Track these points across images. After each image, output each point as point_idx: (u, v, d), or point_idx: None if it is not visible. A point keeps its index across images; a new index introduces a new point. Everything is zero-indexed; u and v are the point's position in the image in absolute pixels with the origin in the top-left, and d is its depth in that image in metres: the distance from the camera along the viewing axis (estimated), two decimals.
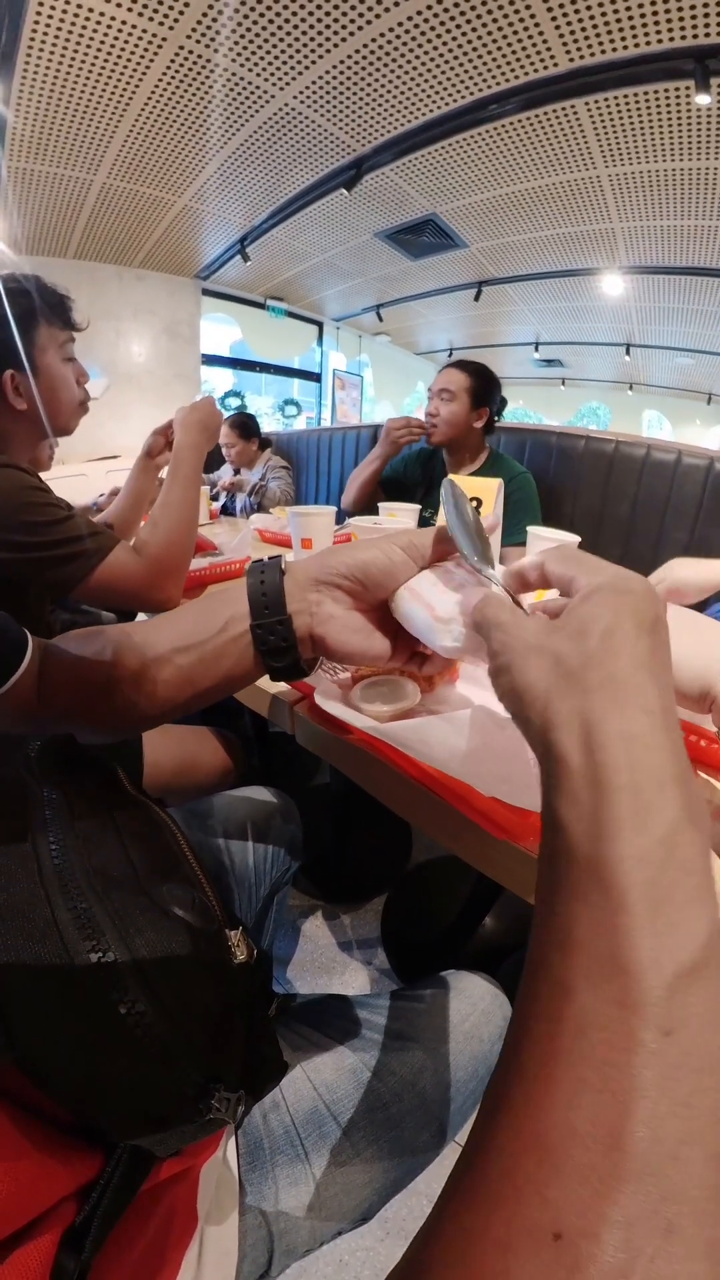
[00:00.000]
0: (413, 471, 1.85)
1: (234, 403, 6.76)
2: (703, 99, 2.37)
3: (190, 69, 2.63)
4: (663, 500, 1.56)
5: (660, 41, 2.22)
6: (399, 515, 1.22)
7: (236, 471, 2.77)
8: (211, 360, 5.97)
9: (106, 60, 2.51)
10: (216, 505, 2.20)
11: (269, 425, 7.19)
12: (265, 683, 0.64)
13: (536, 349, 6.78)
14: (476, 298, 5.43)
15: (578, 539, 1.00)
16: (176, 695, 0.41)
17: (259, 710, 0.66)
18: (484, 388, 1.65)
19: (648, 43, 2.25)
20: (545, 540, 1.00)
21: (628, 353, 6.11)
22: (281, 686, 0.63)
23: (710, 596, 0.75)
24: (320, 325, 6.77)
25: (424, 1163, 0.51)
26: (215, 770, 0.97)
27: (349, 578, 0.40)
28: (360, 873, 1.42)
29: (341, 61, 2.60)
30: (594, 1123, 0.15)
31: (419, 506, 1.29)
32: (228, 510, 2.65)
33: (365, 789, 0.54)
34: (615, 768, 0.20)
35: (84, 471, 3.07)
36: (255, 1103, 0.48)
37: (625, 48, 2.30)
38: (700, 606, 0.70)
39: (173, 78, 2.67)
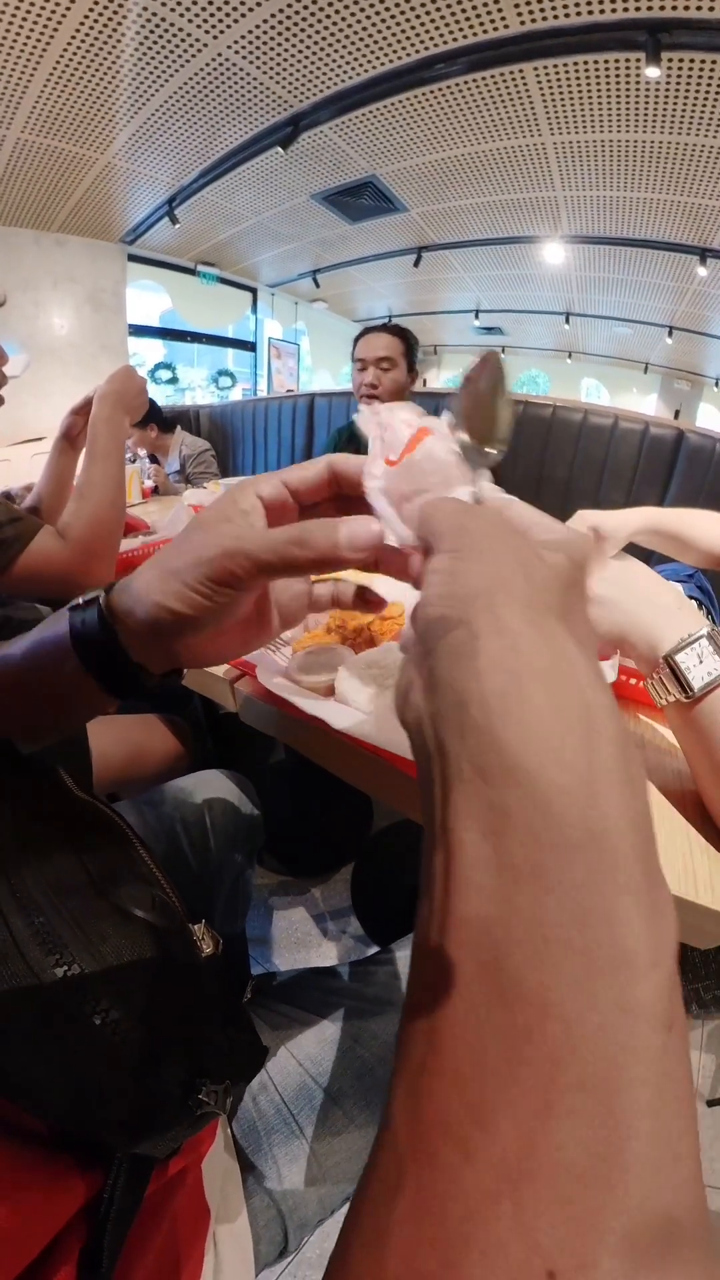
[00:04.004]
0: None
1: (165, 375, 6.40)
2: (652, 72, 2.36)
3: (115, 12, 2.37)
4: (599, 463, 1.62)
5: (614, 11, 2.19)
6: None
7: (153, 458, 2.52)
8: (140, 331, 5.60)
9: (20, 1, 2.22)
10: (149, 484, 2.05)
11: (203, 398, 6.88)
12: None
13: (477, 316, 6.74)
14: (416, 264, 5.31)
15: (514, 500, 1.04)
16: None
17: (204, 692, 0.66)
18: (412, 350, 1.65)
19: (601, 11, 2.21)
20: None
21: (567, 321, 6.18)
22: (224, 666, 0.63)
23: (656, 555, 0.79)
24: (254, 292, 6.45)
25: None
26: (166, 758, 0.96)
27: (206, 589, 0.28)
28: (325, 845, 1.45)
29: (280, 10, 2.42)
30: (590, 1153, 0.12)
31: None
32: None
33: (315, 761, 0.56)
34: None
35: (7, 456, 2.86)
36: (243, 1089, 0.50)
37: (579, 14, 2.25)
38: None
39: (95, 21, 2.41)
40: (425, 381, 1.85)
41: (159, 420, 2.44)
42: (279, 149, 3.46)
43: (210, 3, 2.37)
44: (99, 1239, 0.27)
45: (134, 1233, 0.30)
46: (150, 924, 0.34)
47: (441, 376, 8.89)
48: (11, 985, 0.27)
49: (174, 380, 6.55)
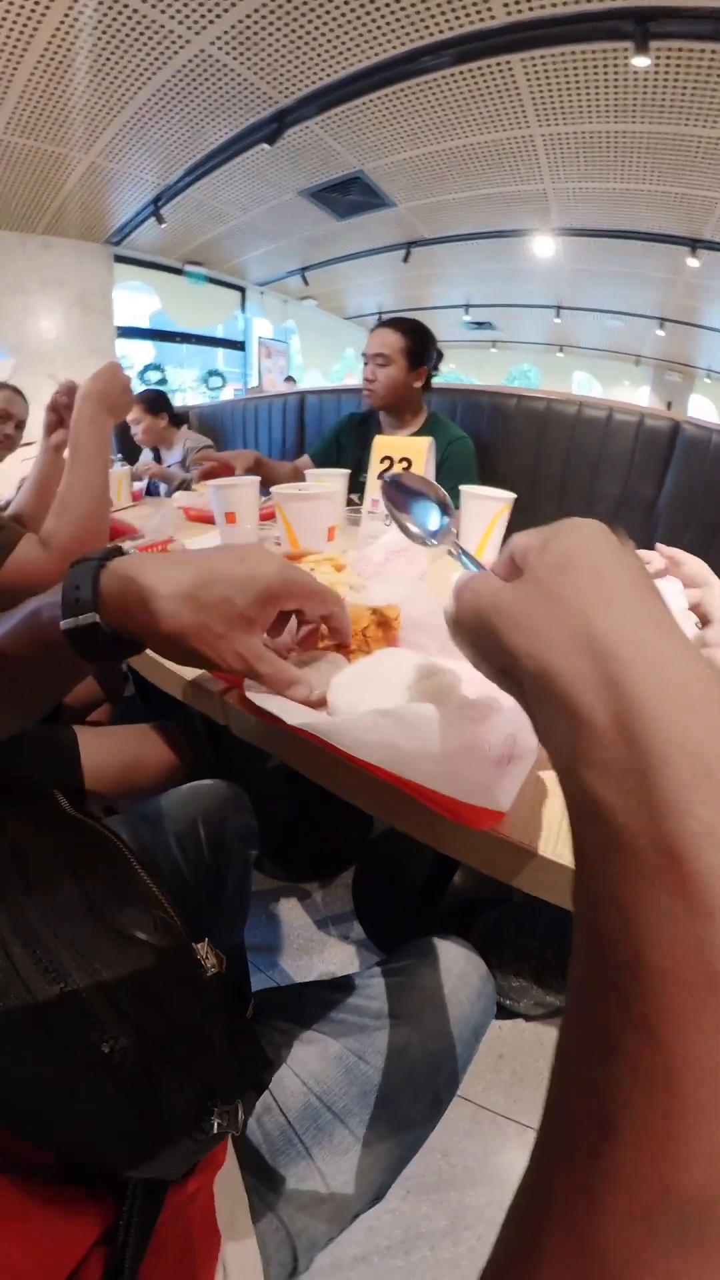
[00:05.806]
0: (348, 437, 1.79)
1: (154, 376, 6.37)
2: (640, 61, 2.35)
3: (96, 10, 2.34)
4: (594, 456, 1.59)
5: (602, 0, 2.16)
6: (328, 481, 1.12)
7: (156, 453, 2.52)
8: (128, 332, 5.58)
9: None
10: (140, 486, 2.01)
11: (194, 399, 6.85)
12: (194, 671, 0.62)
13: (467, 311, 6.72)
14: (405, 259, 5.29)
15: (513, 496, 0.98)
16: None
17: (195, 705, 0.64)
18: (420, 346, 1.56)
19: (589, 0, 2.18)
20: (479, 498, 0.96)
21: (558, 315, 6.17)
22: (207, 676, 0.60)
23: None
24: (243, 291, 6.41)
25: (425, 1132, 0.53)
26: (162, 768, 0.93)
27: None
28: (326, 849, 1.43)
29: (264, 4, 2.40)
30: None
31: (348, 471, 1.21)
32: (152, 491, 2.43)
33: (309, 776, 0.54)
34: (654, 710, 0.15)
35: None
36: (253, 1105, 0.48)
37: (566, 4, 2.23)
38: None
39: (75, 20, 2.38)
40: None
41: (170, 412, 2.41)
42: (265, 145, 3.44)
43: None
44: (118, 1268, 0.27)
45: (149, 1258, 0.29)
46: (153, 946, 0.34)
47: None
48: (12, 1015, 0.26)
49: (164, 381, 6.52)
